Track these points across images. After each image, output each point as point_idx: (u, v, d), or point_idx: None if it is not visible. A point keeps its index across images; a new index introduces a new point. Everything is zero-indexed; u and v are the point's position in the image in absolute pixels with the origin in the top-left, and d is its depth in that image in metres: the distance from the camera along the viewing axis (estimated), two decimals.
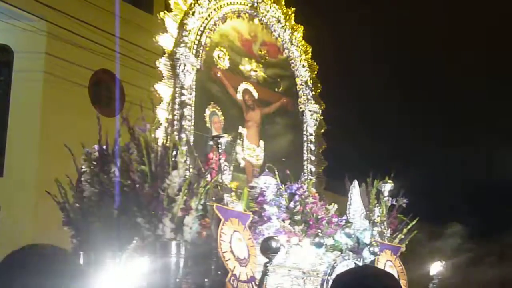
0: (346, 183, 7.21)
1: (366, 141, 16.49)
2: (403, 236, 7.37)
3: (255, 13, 7.64)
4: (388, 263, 6.92)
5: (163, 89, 6.37)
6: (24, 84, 13.83)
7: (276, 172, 6.93)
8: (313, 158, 7.91)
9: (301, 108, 7.99)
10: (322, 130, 8.16)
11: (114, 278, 5.58)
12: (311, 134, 7.97)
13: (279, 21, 7.91)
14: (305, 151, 7.87)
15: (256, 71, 7.53)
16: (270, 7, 7.81)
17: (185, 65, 6.43)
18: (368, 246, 6.69)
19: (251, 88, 7.41)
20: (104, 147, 5.81)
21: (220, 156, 5.75)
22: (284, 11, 8.03)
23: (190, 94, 6.49)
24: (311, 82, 8.14)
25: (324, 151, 8.14)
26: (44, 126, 13.69)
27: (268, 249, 5.33)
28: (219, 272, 5.40)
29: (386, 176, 7.29)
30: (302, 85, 8.05)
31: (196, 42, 6.72)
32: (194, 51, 6.63)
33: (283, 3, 8.04)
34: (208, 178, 5.78)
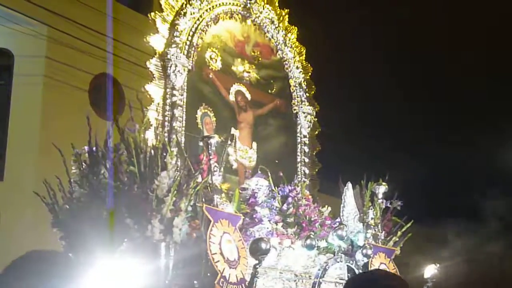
0: (340, 185, 7.18)
1: (361, 143, 16.48)
2: (397, 239, 7.32)
3: (248, 14, 7.61)
4: (382, 266, 6.87)
5: (154, 89, 6.34)
6: (25, 88, 13.83)
7: (269, 174, 6.89)
8: (306, 160, 7.87)
9: (294, 109, 7.96)
10: (316, 132, 8.13)
11: (103, 280, 5.54)
12: (304, 136, 7.94)
13: (272, 22, 7.88)
14: (298, 153, 7.84)
15: (249, 72, 7.50)
16: (263, 8, 7.79)
17: (176, 66, 6.40)
18: (361, 249, 6.64)
19: (243, 89, 7.38)
20: (94, 148, 5.78)
21: (210, 157, 5.71)
22: (278, 12, 8.00)
23: (182, 95, 6.46)
24: (305, 83, 8.11)
25: (318, 153, 8.11)
26: (44, 130, 13.66)
27: (257, 250, 5.29)
28: (208, 274, 5.34)
29: (380, 178, 7.24)
30: (296, 86, 8.02)
31: (188, 42, 6.69)
32: (185, 52, 6.60)
33: (277, 4, 8.01)
34: (199, 179, 5.74)
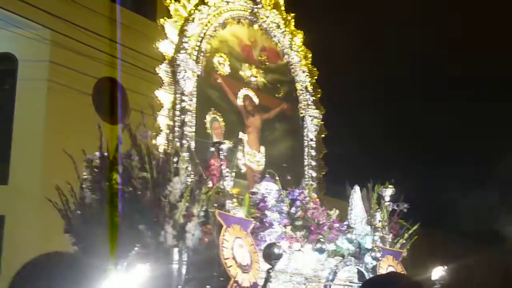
0: (347, 188, 7.22)
1: (367, 146, 16.48)
2: (404, 241, 7.37)
3: (254, 19, 7.66)
4: (390, 268, 6.91)
5: (164, 95, 6.39)
6: (28, 92, 13.87)
7: (277, 178, 6.93)
8: (313, 163, 7.91)
9: (301, 113, 8.01)
10: (323, 135, 8.17)
11: (116, 285, 5.59)
12: (311, 140, 7.98)
13: (278, 26, 7.93)
14: (305, 157, 7.88)
15: (256, 76, 7.55)
16: (270, 13, 7.84)
17: (185, 71, 6.45)
18: (370, 252, 6.69)
19: (251, 93, 7.43)
20: (106, 154, 5.82)
21: (222, 163, 5.75)
22: (284, 16, 8.05)
23: (191, 100, 6.51)
24: (311, 87, 8.16)
25: (324, 156, 8.15)
26: (48, 134, 13.71)
27: (270, 255, 5.34)
28: (221, 279, 5.39)
29: (387, 181, 7.29)
30: (302, 90, 8.07)
31: (196, 48, 6.74)
32: (194, 57, 6.65)
33: (283, 8, 8.06)
34: (210, 184, 5.78)
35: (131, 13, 15.04)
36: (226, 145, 5.81)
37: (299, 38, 8.18)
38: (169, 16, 6.73)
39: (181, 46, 6.56)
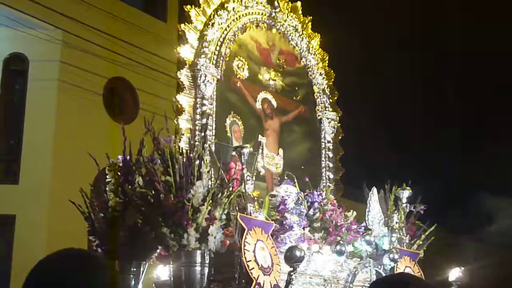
0: (364, 190, 7.27)
1: (384, 147, 16.46)
2: (421, 242, 7.42)
3: (273, 23, 7.74)
4: (407, 269, 6.97)
5: (184, 99, 6.46)
6: (39, 92, 13.96)
7: (296, 180, 6.99)
8: (331, 165, 7.99)
9: (318, 115, 8.08)
10: (340, 137, 8.24)
11: (138, 287, 5.67)
12: (329, 142, 8.05)
13: (296, 30, 8.01)
14: (323, 158, 7.96)
15: (274, 80, 7.62)
16: (288, 16, 7.92)
17: (205, 76, 6.52)
18: (388, 253, 6.74)
19: (270, 97, 7.50)
20: (128, 157, 5.88)
21: (243, 166, 5.81)
22: (301, 20, 8.12)
23: (211, 104, 6.58)
24: (328, 89, 8.23)
25: (341, 158, 8.21)
26: (59, 134, 13.80)
27: (292, 258, 5.40)
28: (243, 281, 5.45)
29: (404, 183, 7.34)
30: (320, 92, 8.14)
31: (216, 52, 6.81)
32: (214, 62, 6.72)
33: (300, 12, 8.13)
34: (231, 188, 5.84)
35: (141, 14, 15.12)
36: (248, 149, 5.87)
37: (316, 41, 8.25)
38: (184, 20, 6.79)
39: (201, 51, 6.63)
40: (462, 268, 7.08)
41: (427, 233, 7.43)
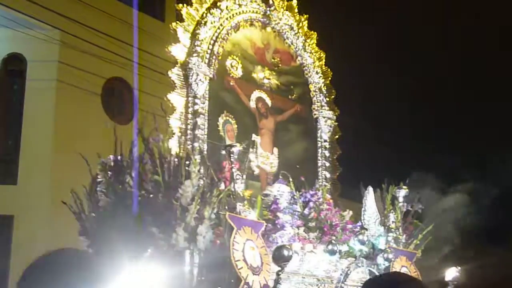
0: (361, 189, 7.20)
1: (382, 146, 16.40)
2: (418, 242, 7.35)
3: (267, 21, 7.68)
4: (404, 269, 6.89)
5: (176, 98, 6.40)
6: (37, 93, 13.93)
7: (291, 179, 6.93)
8: (327, 164, 7.92)
9: (315, 114, 8.01)
10: (337, 137, 8.16)
11: (128, 287, 5.60)
12: (325, 141, 7.98)
13: (291, 28, 7.94)
14: (319, 158, 7.89)
15: (269, 78, 7.55)
16: (283, 15, 7.85)
17: (197, 75, 6.47)
18: (382, 253, 6.67)
19: (264, 96, 7.44)
20: (119, 157, 5.83)
21: (233, 165, 5.75)
22: (297, 18, 8.05)
23: (203, 103, 6.53)
24: (325, 88, 8.15)
25: (339, 158, 8.14)
26: (57, 134, 13.77)
27: (280, 257, 5.33)
28: (232, 281, 5.39)
29: (401, 182, 7.27)
30: (316, 91, 8.07)
31: (209, 51, 6.76)
32: (206, 61, 6.67)
33: (296, 10, 8.05)
34: (222, 187, 5.78)
35: (140, 14, 15.05)
36: (237, 147, 5.81)
37: (312, 39, 8.17)
38: (181, 19, 6.73)
39: (193, 50, 6.57)
40: (459, 267, 7.01)
41: (424, 232, 7.35)
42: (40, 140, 13.81)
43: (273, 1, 7.75)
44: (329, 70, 8.26)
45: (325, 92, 8.14)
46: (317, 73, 8.11)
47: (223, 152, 6.06)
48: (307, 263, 6.34)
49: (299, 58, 8.02)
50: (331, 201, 7.22)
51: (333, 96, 8.24)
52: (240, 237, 5.45)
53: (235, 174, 5.78)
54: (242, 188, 5.93)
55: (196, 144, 6.22)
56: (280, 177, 7.00)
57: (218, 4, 7.04)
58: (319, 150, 7.94)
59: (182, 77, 6.46)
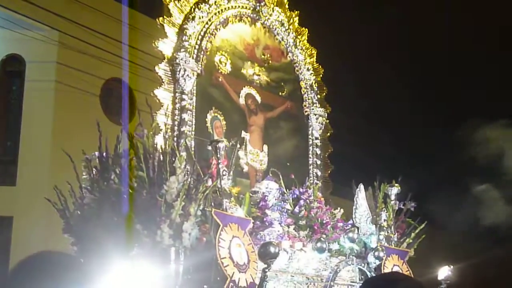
0: (353, 187, 7.11)
1: (374, 144, 16.35)
2: (411, 241, 7.26)
3: (257, 17, 7.59)
4: (395, 268, 6.81)
5: (163, 94, 6.32)
6: (36, 94, 13.91)
7: (281, 177, 6.85)
8: (318, 162, 7.82)
9: (306, 111, 7.92)
10: (328, 134, 8.08)
11: (114, 285, 5.52)
12: (316, 138, 7.89)
13: (282, 24, 7.85)
14: (310, 155, 7.80)
15: (259, 75, 7.46)
16: (273, 11, 7.76)
17: (185, 70, 6.38)
18: (373, 251, 6.58)
19: (254, 92, 7.34)
20: (104, 154, 5.77)
21: (219, 161, 5.67)
22: (288, 14, 7.96)
23: (191, 99, 6.44)
24: (316, 85, 8.07)
25: (330, 155, 8.05)
26: (56, 135, 13.74)
27: (266, 254, 5.24)
28: (218, 279, 5.31)
29: (393, 180, 7.18)
30: (307, 88, 7.98)
31: (197, 47, 6.67)
32: (194, 56, 6.58)
33: (287, 6, 7.97)
34: (209, 183, 5.71)
35: (138, 14, 15.02)
36: (223, 143, 5.72)
37: (303, 36, 8.09)
38: (169, 15, 6.67)
39: (181, 45, 6.49)
40: (451, 266, 6.91)
41: (417, 230, 7.26)
42: (39, 141, 13.79)
43: None
44: (320, 67, 8.17)
45: (316, 89, 8.05)
46: (308, 69, 8.02)
47: (210, 148, 5.99)
48: (297, 261, 6.26)
49: (289, 54, 7.93)
50: (322, 199, 7.14)
51: (324, 93, 8.15)
52: (226, 234, 5.37)
53: (222, 170, 5.70)
54: (229, 184, 5.86)
55: (182, 140, 6.14)
56: (270, 174, 6.93)
57: None
58: (310, 148, 7.84)
59: (169, 73, 6.38)
